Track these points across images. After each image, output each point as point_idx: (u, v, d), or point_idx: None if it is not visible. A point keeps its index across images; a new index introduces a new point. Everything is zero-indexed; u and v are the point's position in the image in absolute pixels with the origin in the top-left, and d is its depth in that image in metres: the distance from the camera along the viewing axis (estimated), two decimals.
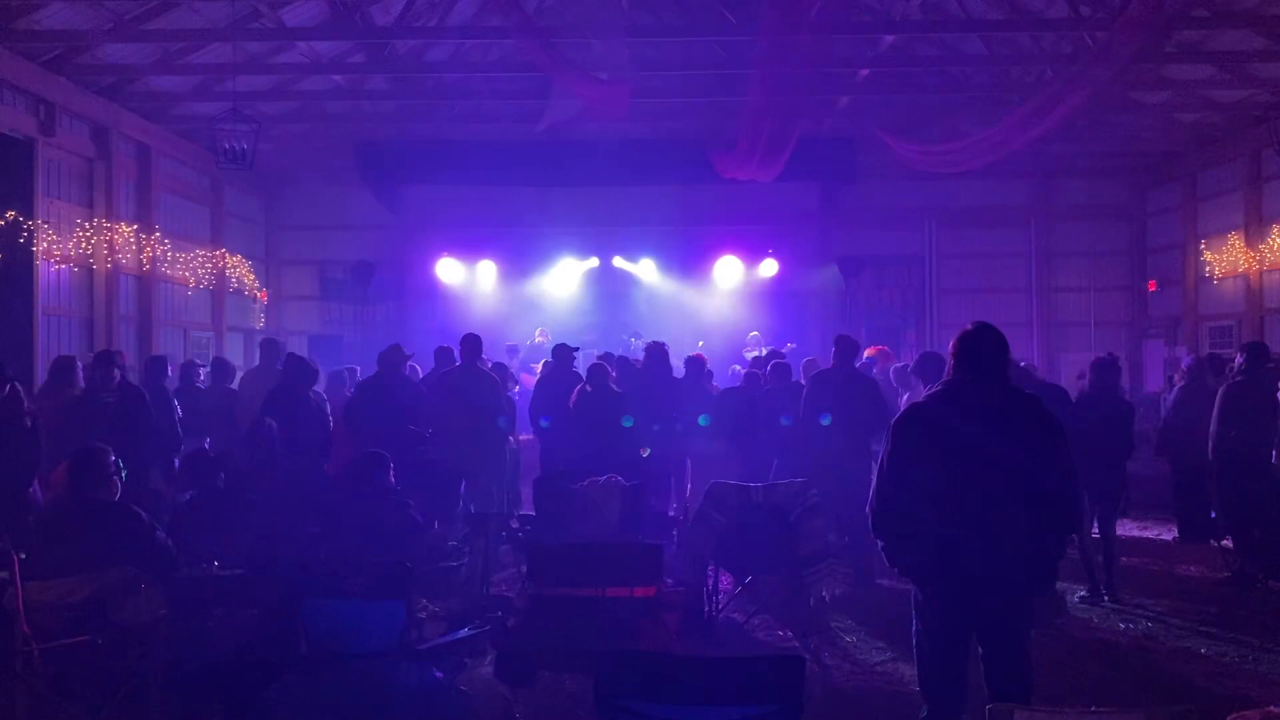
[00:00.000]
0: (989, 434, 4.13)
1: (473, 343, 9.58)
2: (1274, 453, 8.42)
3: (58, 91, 11.71)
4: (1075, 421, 7.86)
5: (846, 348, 8.90)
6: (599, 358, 10.32)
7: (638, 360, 10.85)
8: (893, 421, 4.34)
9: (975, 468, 4.09)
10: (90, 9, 11.04)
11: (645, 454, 9.25)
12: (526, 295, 17.67)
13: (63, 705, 4.89)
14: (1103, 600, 7.83)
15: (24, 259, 11.14)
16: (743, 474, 8.51)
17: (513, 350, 15.26)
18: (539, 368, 12.49)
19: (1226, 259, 15.18)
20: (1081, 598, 7.88)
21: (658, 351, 10.04)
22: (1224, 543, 8.80)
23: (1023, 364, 10.57)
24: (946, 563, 4.12)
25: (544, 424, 9.89)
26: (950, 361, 4.33)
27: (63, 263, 12.13)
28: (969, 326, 4.35)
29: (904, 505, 4.17)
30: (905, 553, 4.25)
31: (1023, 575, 4.14)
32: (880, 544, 4.35)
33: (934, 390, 4.39)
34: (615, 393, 9.29)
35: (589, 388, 9.26)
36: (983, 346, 4.25)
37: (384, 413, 8.80)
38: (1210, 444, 8.63)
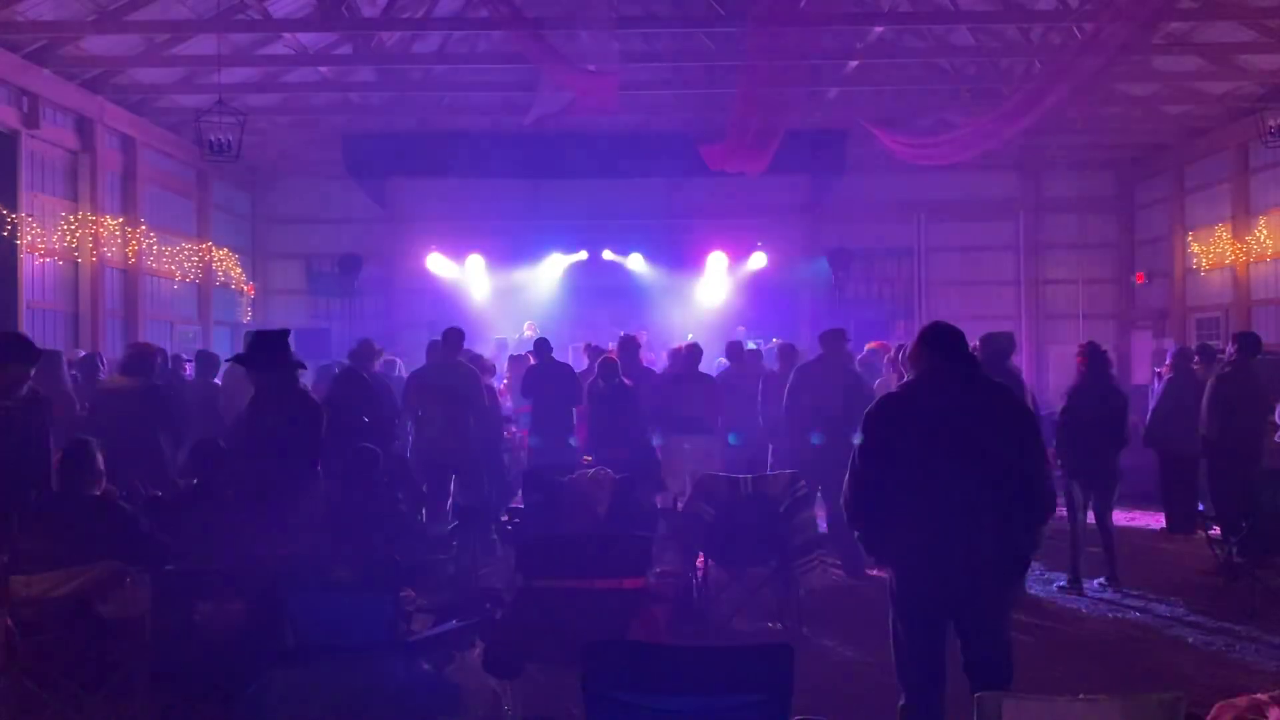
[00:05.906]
0: (960, 421, 4.21)
1: (453, 337, 9.56)
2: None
3: (41, 84, 11.60)
4: (1068, 411, 7.92)
5: (833, 341, 8.94)
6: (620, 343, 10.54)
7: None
8: (866, 412, 4.39)
9: (947, 455, 4.16)
10: (72, 0, 10.94)
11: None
12: (515, 288, 17.60)
13: (47, 699, 4.86)
14: (1082, 590, 7.83)
15: (8, 253, 11.06)
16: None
17: (501, 344, 15.20)
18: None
19: (1214, 251, 15.21)
20: (1060, 587, 7.87)
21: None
22: (1211, 532, 8.82)
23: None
24: (921, 549, 4.18)
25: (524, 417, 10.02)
26: (918, 354, 4.40)
27: (47, 256, 12.04)
28: (926, 324, 4.54)
29: (878, 493, 4.25)
30: (881, 540, 4.34)
31: (996, 561, 4.18)
32: (857, 532, 4.42)
33: (906, 381, 4.51)
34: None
35: (601, 382, 9.31)
36: (945, 339, 4.37)
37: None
38: (1201, 434, 8.63)
